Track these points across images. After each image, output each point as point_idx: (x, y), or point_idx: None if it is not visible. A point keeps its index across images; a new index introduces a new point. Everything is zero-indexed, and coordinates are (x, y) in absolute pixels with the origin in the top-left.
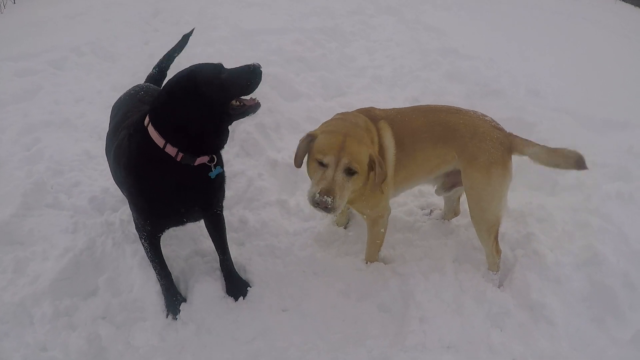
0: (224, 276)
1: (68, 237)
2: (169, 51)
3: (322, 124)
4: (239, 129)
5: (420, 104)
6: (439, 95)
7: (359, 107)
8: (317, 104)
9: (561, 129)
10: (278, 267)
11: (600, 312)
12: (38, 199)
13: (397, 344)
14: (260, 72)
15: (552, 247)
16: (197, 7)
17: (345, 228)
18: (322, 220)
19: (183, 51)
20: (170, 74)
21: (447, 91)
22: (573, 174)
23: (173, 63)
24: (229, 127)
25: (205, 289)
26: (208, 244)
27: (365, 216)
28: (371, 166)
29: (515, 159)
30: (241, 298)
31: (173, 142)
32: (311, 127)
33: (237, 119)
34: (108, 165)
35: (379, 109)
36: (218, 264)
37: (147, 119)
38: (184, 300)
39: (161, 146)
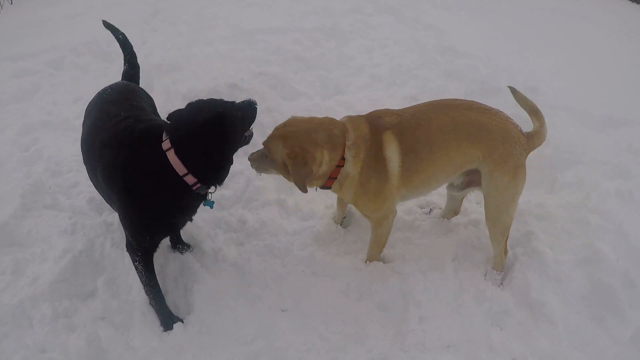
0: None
1: (67, 238)
2: (120, 45)
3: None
4: None
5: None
6: (438, 93)
7: (357, 106)
8: (315, 103)
9: (560, 127)
10: (277, 266)
11: (600, 310)
12: (36, 200)
13: (396, 343)
14: (256, 107)
15: (551, 245)
16: (196, 7)
17: (341, 225)
18: (321, 220)
19: (183, 52)
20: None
21: (445, 89)
22: (572, 172)
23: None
24: None
25: (204, 289)
26: (207, 243)
27: (369, 218)
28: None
29: None
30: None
31: (194, 173)
32: None
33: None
34: (88, 171)
35: (393, 113)
36: (217, 264)
37: (166, 144)
38: (181, 320)
39: (181, 174)
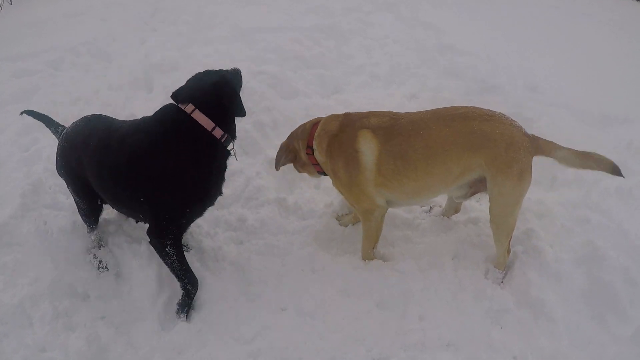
0: None
1: (67, 237)
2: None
3: None
4: (237, 128)
5: (419, 101)
6: (437, 92)
7: (356, 105)
8: (314, 101)
9: (560, 125)
10: (277, 265)
11: (600, 308)
12: (36, 200)
13: (396, 342)
14: (241, 75)
15: (551, 243)
16: (195, 7)
17: (340, 223)
18: (321, 219)
19: (182, 51)
20: None
21: (444, 88)
22: (572, 170)
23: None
24: None
25: (204, 288)
26: (206, 242)
27: (356, 210)
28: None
29: None
30: None
31: (219, 125)
32: None
33: None
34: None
35: (385, 116)
36: (217, 263)
37: (188, 108)
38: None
39: (209, 129)
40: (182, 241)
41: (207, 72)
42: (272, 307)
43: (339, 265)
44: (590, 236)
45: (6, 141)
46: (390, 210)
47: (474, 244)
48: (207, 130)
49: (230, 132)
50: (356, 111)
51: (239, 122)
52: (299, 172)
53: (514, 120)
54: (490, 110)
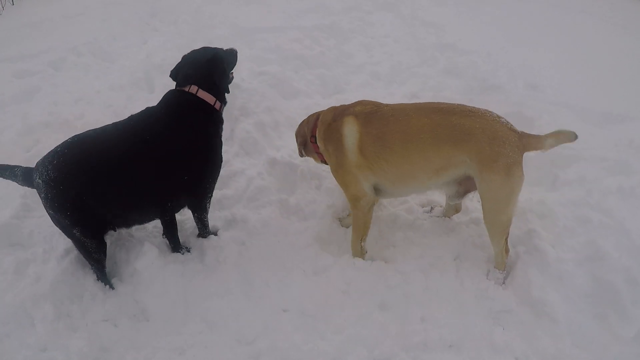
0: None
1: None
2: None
3: None
4: (239, 128)
5: (420, 100)
6: (438, 91)
7: None
8: (315, 101)
9: (561, 123)
10: (278, 266)
11: (602, 308)
12: (38, 201)
13: (398, 343)
14: (236, 53)
15: (553, 243)
16: (194, 6)
17: (342, 224)
18: (323, 220)
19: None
20: None
21: (445, 87)
22: (574, 169)
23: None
24: None
25: (205, 289)
26: (208, 243)
27: (346, 197)
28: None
29: None
30: None
31: (218, 98)
32: None
33: None
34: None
35: (369, 104)
36: (219, 263)
37: (192, 88)
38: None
39: (212, 103)
40: (183, 242)
41: (204, 49)
42: (273, 308)
43: (340, 266)
44: (592, 236)
45: (7, 142)
46: (392, 212)
47: (475, 245)
48: (211, 105)
49: (223, 100)
50: None
51: (240, 122)
52: (302, 156)
53: (500, 117)
54: (475, 107)
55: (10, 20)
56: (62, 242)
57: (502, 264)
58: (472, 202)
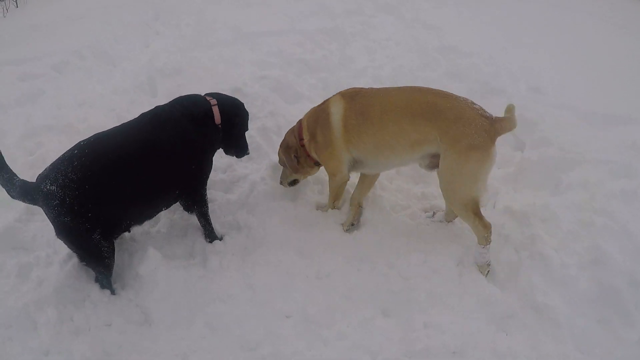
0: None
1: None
2: None
3: None
4: None
5: None
6: None
7: None
8: None
9: (563, 126)
10: (281, 272)
11: (606, 312)
12: None
13: (401, 349)
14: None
15: (556, 247)
16: (196, 9)
17: (347, 230)
18: (326, 226)
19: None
20: None
21: (447, 90)
22: (577, 173)
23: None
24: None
25: (209, 295)
26: (211, 248)
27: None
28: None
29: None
30: None
31: (223, 126)
32: None
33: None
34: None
35: (357, 88)
36: (222, 269)
37: (212, 101)
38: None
39: (217, 122)
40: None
41: (236, 99)
42: (276, 313)
43: (343, 272)
44: (596, 239)
45: (11, 145)
46: (394, 217)
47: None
48: (216, 123)
49: (228, 143)
50: None
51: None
52: (300, 174)
53: (474, 104)
54: (452, 93)
55: (14, 22)
56: (65, 246)
57: (482, 238)
58: None
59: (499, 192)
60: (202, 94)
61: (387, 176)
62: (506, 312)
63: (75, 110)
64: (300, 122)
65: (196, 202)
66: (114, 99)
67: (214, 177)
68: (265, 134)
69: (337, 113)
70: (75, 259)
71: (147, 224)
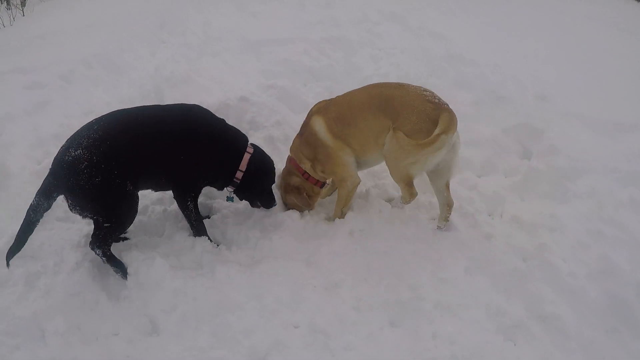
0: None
1: (79, 250)
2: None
3: None
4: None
5: None
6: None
7: None
8: None
9: (570, 134)
10: (289, 282)
11: (614, 322)
12: (49, 213)
13: None
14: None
15: (565, 257)
16: (202, 19)
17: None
18: (334, 235)
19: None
20: None
21: (454, 99)
22: (585, 181)
23: None
24: None
25: (217, 305)
26: (219, 258)
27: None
28: None
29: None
30: None
31: (244, 176)
32: None
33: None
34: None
35: (325, 102)
36: (230, 280)
37: (249, 149)
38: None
39: (240, 168)
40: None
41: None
42: (284, 324)
43: (351, 282)
44: (604, 249)
45: (19, 154)
46: (401, 225)
47: (487, 259)
48: (238, 167)
49: (246, 191)
50: None
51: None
52: (313, 203)
53: (425, 90)
54: (405, 83)
55: (21, 31)
56: (72, 254)
57: (405, 199)
58: (483, 217)
59: (506, 201)
60: (248, 139)
61: (394, 186)
62: (514, 322)
63: (82, 119)
64: (290, 158)
65: (178, 202)
66: (120, 107)
67: None
68: (272, 143)
69: (321, 129)
70: (82, 268)
71: (153, 233)
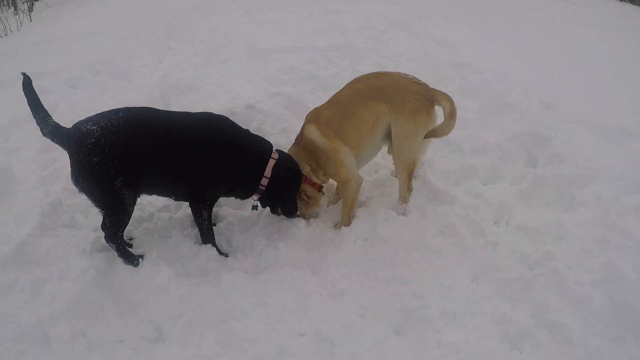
0: None
1: (85, 257)
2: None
3: None
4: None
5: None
6: None
7: None
8: None
9: (576, 142)
10: (295, 290)
11: (620, 330)
12: (54, 219)
13: None
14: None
15: (570, 265)
16: (209, 26)
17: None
18: (340, 243)
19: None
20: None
21: (460, 107)
22: (590, 189)
23: None
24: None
25: (223, 312)
26: (225, 265)
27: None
28: None
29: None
30: None
31: (270, 182)
32: None
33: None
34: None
35: (313, 109)
36: (236, 288)
37: (274, 155)
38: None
39: (264, 174)
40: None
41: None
42: (290, 332)
43: (357, 290)
44: (610, 257)
45: (25, 159)
46: (406, 233)
47: (492, 267)
48: (262, 174)
49: (270, 199)
50: None
51: None
52: (314, 206)
53: (407, 75)
54: (386, 71)
55: (28, 37)
56: (78, 261)
57: (403, 197)
58: (488, 225)
59: (512, 209)
60: (272, 146)
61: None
62: (520, 330)
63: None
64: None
65: (192, 210)
66: None
67: None
68: None
69: (316, 136)
70: (88, 275)
71: (159, 240)
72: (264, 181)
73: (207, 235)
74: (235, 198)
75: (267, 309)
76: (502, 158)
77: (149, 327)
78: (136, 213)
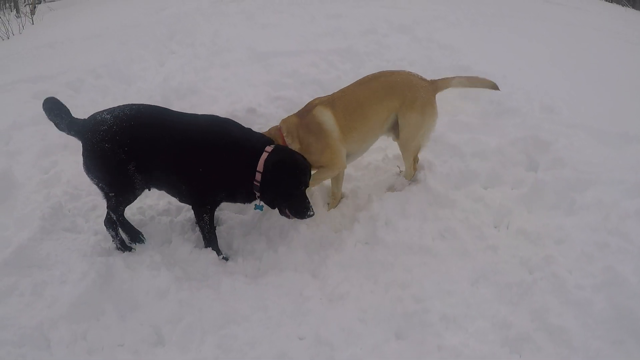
0: None
1: (86, 260)
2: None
3: None
4: None
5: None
6: (453, 115)
7: None
8: None
9: (578, 146)
10: (295, 293)
11: (620, 334)
12: (55, 223)
13: None
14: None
15: (571, 269)
16: (211, 29)
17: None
18: (341, 246)
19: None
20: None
21: (461, 110)
22: (591, 193)
23: None
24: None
25: (222, 316)
26: (225, 269)
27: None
28: None
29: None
30: None
31: (262, 177)
32: None
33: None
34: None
35: (324, 97)
36: (235, 292)
37: (268, 148)
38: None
39: (257, 169)
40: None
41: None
42: (290, 335)
43: (357, 294)
44: (610, 261)
45: (26, 163)
46: (407, 238)
47: (492, 271)
48: (255, 168)
49: (267, 192)
50: None
51: None
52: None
53: (412, 73)
54: (394, 70)
55: (29, 40)
56: (79, 264)
57: (410, 175)
58: (489, 229)
59: (512, 213)
60: (268, 141)
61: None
62: (520, 334)
63: None
64: (278, 128)
65: (195, 213)
66: None
67: None
68: None
69: (328, 120)
70: (88, 278)
71: (159, 244)
72: (258, 176)
73: (209, 238)
74: (242, 203)
75: (267, 312)
76: (502, 162)
77: (149, 331)
78: (137, 217)
